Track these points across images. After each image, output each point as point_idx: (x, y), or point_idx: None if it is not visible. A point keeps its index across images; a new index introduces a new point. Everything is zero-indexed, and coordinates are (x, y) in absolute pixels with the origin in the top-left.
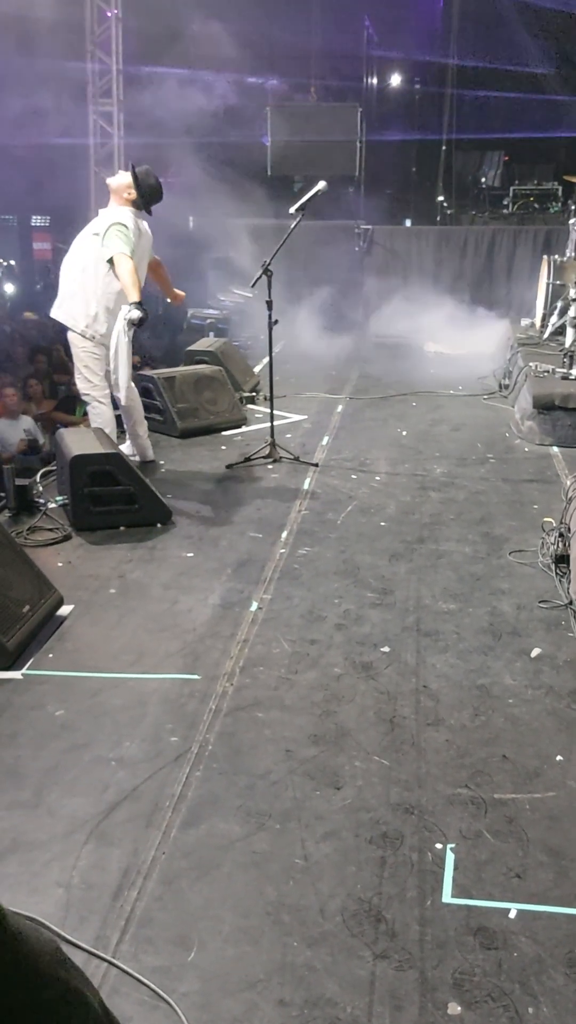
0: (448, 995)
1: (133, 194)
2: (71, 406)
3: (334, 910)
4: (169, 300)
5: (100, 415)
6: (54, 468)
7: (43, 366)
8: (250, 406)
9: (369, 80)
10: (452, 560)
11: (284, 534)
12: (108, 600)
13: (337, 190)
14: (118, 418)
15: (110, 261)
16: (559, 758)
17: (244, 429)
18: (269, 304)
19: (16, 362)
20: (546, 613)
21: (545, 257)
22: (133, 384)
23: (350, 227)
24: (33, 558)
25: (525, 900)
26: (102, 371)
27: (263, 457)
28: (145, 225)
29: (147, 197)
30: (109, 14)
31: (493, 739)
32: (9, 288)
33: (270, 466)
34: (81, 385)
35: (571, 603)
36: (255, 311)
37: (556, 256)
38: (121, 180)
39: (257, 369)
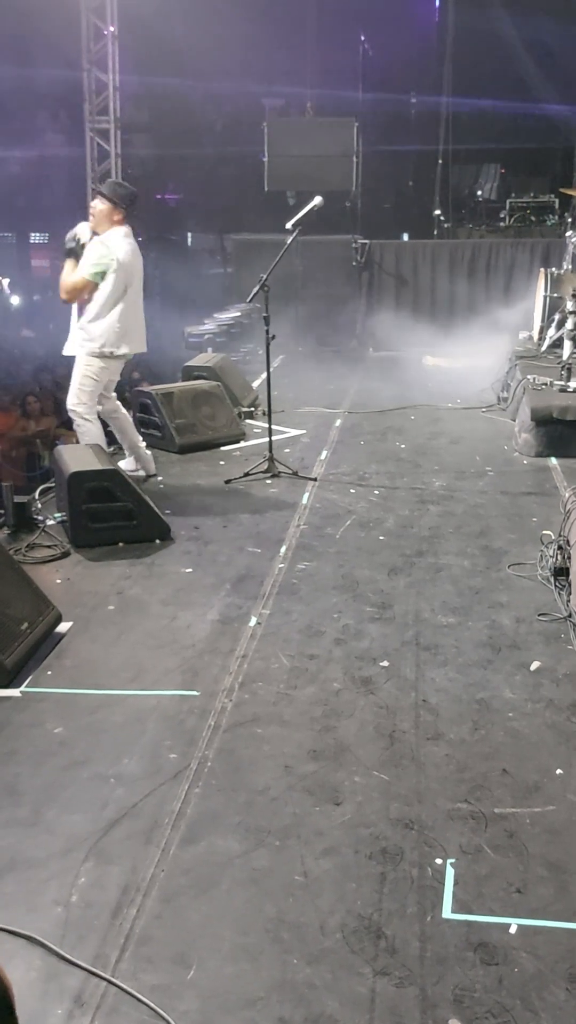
0: (449, 1011)
1: (120, 214)
2: None
3: (334, 927)
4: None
5: (87, 432)
6: (52, 485)
7: (48, 384)
8: (248, 421)
9: (365, 95)
10: (451, 574)
11: (283, 549)
12: (107, 617)
13: (334, 205)
14: (111, 435)
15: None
16: (559, 772)
17: (242, 444)
18: (266, 319)
19: (16, 379)
20: (545, 626)
21: (542, 270)
22: (117, 400)
23: (347, 242)
24: (32, 575)
25: (526, 915)
26: (98, 391)
27: (262, 472)
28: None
29: (129, 205)
30: (106, 31)
31: (493, 753)
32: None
33: (269, 481)
34: (71, 401)
35: (570, 616)
36: (253, 326)
37: (553, 269)
38: (100, 208)
39: (255, 384)
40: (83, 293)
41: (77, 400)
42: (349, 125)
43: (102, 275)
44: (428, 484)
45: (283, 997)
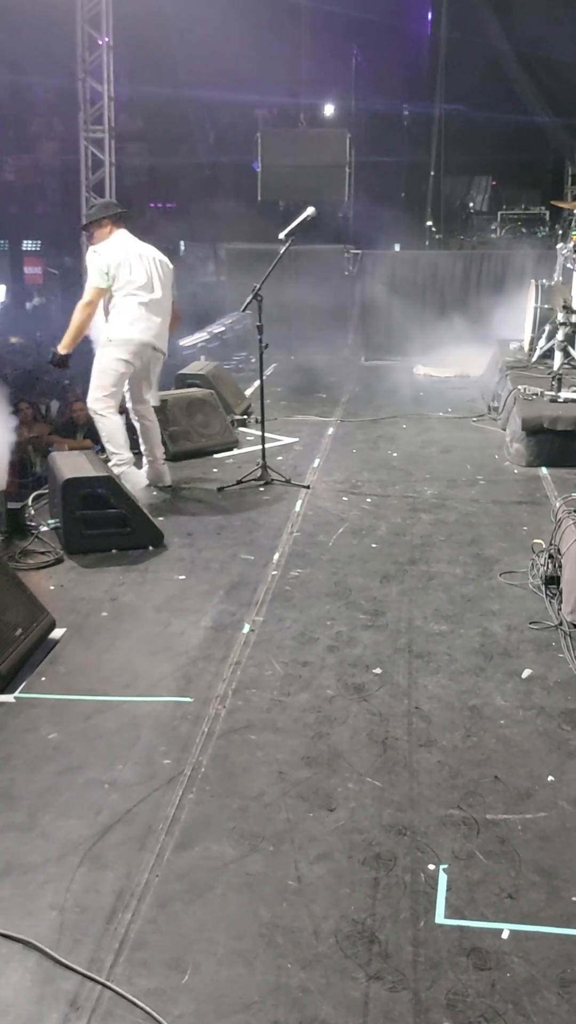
0: (441, 1016)
1: (106, 226)
2: (72, 430)
3: (328, 932)
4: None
5: (104, 428)
6: (46, 491)
7: (40, 390)
8: (241, 429)
9: (358, 106)
10: (443, 581)
11: (276, 556)
12: (100, 623)
13: (326, 215)
14: (135, 441)
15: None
16: (550, 778)
17: (235, 452)
18: (260, 328)
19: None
20: (537, 634)
21: (533, 281)
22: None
23: (339, 252)
24: (25, 581)
25: (518, 920)
26: (113, 385)
27: (254, 480)
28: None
29: (103, 216)
30: (101, 41)
31: (485, 760)
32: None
33: (261, 488)
34: (89, 397)
35: (561, 624)
36: (246, 334)
37: (544, 280)
38: (93, 236)
39: (248, 392)
40: (96, 302)
41: (93, 396)
42: (342, 136)
43: (105, 278)
44: (420, 492)
45: (277, 1001)
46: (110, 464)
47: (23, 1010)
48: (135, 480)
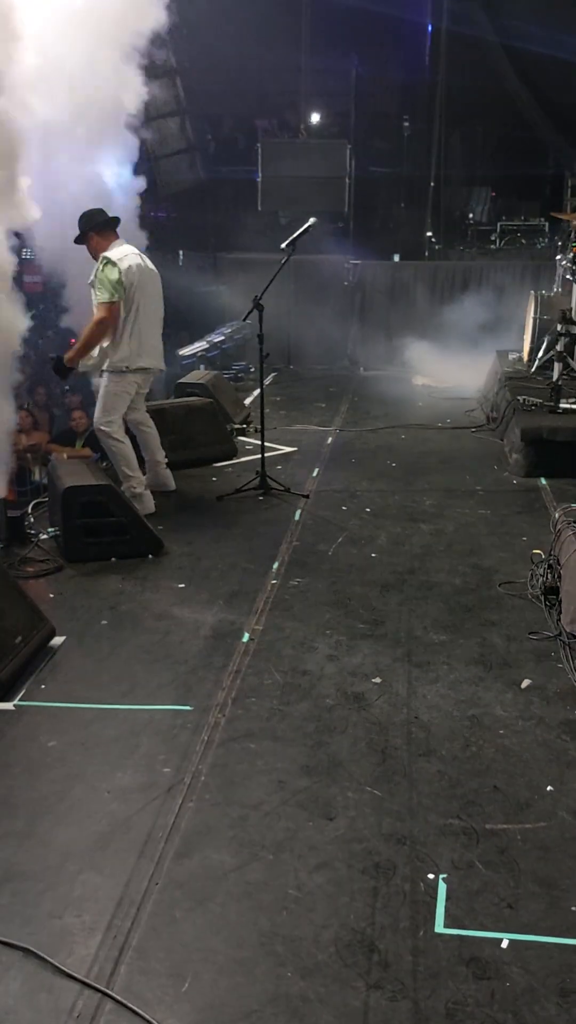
0: None
1: (102, 238)
2: (71, 439)
3: (327, 940)
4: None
5: (117, 452)
6: (45, 499)
7: (42, 398)
8: (241, 438)
9: (358, 117)
10: (442, 591)
11: (275, 565)
12: (100, 631)
13: (326, 225)
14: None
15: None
16: (550, 789)
17: (235, 461)
18: (260, 337)
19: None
20: (536, 644)
21: (532, 292)
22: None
23: (339, 262)
24: (25, 589)
25: (517, 930)
26: (123, 408)
27: (254, 489)
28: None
29: (96, 227)
30: None
31: (484, 770)
32: None
33: (261, 498)
34: (99, 418)
35: (560, 634)
36: (246, 344)
37: (543, 291)
38: (89, 247)
39: (248, 401)
40: (111, 319)
41: (106, 420)
42: (342, 147)
43: (119, 290)
44: (419, 502)
45: (277, 1010)
46: (128, 485)
47: (23, 1018)
48: (148, 507)
